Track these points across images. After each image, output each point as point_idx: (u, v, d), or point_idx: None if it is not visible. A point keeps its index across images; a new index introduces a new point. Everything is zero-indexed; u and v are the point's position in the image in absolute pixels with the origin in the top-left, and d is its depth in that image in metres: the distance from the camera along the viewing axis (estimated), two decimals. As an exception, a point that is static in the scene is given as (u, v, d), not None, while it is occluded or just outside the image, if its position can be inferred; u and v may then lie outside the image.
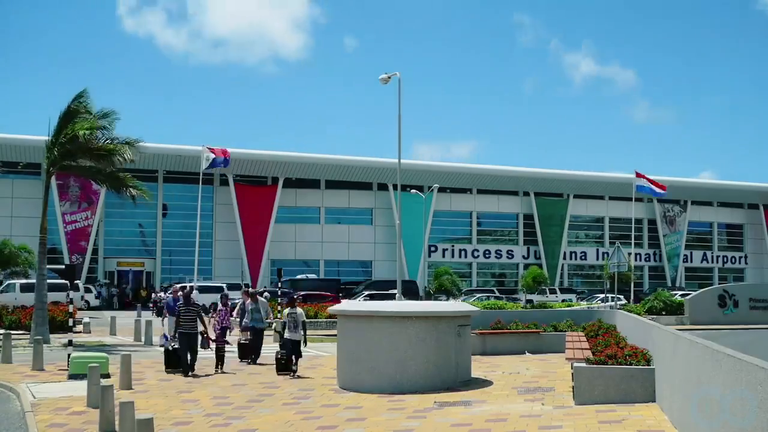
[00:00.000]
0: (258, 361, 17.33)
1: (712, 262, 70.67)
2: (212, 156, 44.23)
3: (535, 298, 47.65)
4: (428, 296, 44.89)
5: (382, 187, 58.78)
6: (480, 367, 15.70)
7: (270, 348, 18.94)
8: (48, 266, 25.21)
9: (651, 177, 48.31)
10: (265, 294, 29.12)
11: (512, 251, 63.55)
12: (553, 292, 52.96)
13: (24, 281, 35.93)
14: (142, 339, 23.73)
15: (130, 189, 24.63)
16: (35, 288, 23.66)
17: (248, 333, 17.80)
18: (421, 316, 13.42)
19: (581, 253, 65.94)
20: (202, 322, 15.80)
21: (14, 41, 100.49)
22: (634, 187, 46.88)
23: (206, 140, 67.89)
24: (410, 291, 43.54)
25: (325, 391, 13.19)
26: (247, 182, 55.52)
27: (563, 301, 47.54)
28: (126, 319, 34.89)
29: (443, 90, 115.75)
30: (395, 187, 44.22)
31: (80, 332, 26.76)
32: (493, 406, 11.23)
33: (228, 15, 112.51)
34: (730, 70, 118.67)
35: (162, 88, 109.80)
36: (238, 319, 18.82)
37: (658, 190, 46.90)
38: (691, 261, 69.41)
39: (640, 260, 65.37)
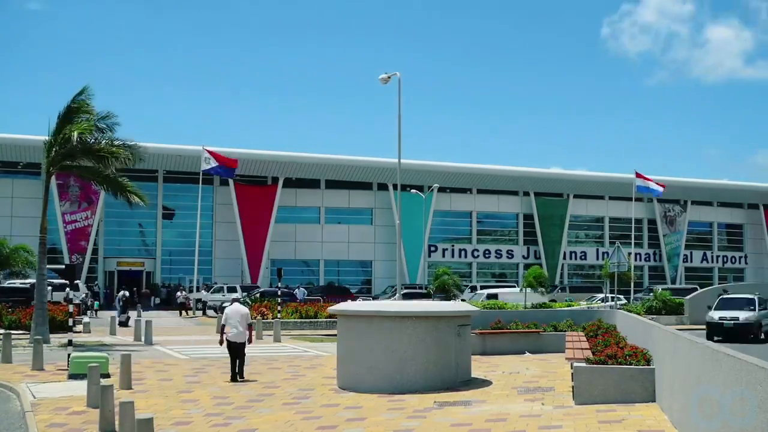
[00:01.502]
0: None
1: (712, 262, 70.67)
2: (214, 162, 44.21)
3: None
4: (428, 296, 44.84)
5: (382, 187, 58.78)
6: (480, 367, 15.70)
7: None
8: (48, 266, 25.20)
9: (650, 177, 48.39)
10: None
11: (512, 251, 63.54)
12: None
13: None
14: (142, 339, 23.74)
15: (128, 193, 24.53)
16: (35, 288, 23.63)
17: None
18: (421, 316, 13.43)
19: (581, 253, 65.96)
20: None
21: (14, 40, 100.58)
22: (634, 187, 46.92)
23: (206, 140, 67.95)
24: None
25: (325, 391, 13.19)
26: (247, 182, 55.51)
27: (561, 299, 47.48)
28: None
29: (439, 92, 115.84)
30: (395, 187, 44.23)
31: (80, 332, 26.78)
32: (493, 406, 11.23)
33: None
34: (731, 70, 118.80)
35: (162, 88, 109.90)
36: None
37: (656, 187, 46.96)
38: (691, 261, 69.41)
39: (640, 260, 65.36)
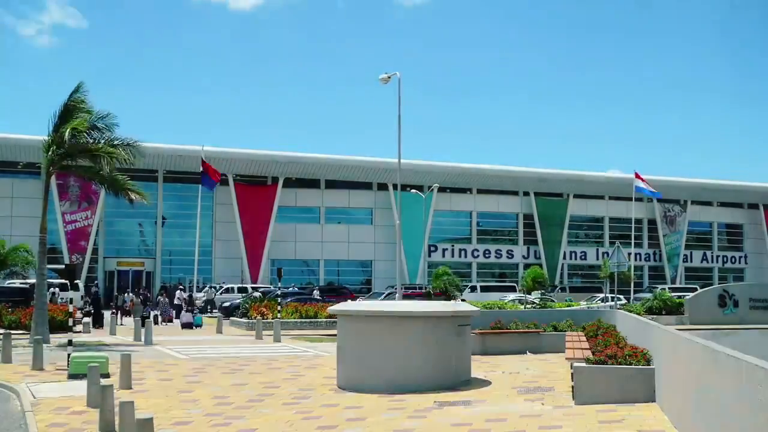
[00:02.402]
0: None
1: (712, 262, 70.68)
2: (204, 170, 44.74)
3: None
4: (428, 296, 44.81)
5: (382, 187, 58.77)
6: (480, 367, 15.69)
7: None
8: (48, 266, 25.17)
9: (651, 177, 48.48)
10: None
11: (512, 251, 63.55)
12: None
13: None
14: (142, 339, 23.73)
15: (129, 192, 24.49)
16: (35, 288, 23.59)
17: None
18: (421, 316, 13.43)
19: (581, 253, 65.95)
20: None
21: (14, 39, 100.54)
22: (634, 187, 46.93)
23: (206, 140, 68.09)
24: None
25: (325, 391, 13.19)
26: (247, 182, 55.51)
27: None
28: (126, 318, 34.91)
29: (439, 89, 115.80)
30: (395, 187, 44.22)
31: (80, 332, 26.77)
32: (493, 406, 11.23)
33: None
34: (731, 70, 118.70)
35: (162, 87, 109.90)
36: None
37: (653, 190, 47.09)
38: (691, 261, 69.42)
39: (640, 260, 65.35)
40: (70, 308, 20.26)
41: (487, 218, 64.02)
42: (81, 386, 12.72)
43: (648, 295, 40.53)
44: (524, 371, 15.48)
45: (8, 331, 21.62)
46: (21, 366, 16.87)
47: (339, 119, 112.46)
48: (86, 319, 29.50)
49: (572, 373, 11.95)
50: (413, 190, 51.58)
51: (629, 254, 43.48)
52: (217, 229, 55.27)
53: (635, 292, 46.94)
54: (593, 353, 12.61)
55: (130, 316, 33.94)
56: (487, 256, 62.72)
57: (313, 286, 51.10)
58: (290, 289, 42.50)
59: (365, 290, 56.26)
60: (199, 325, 32.00)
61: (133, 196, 24.49)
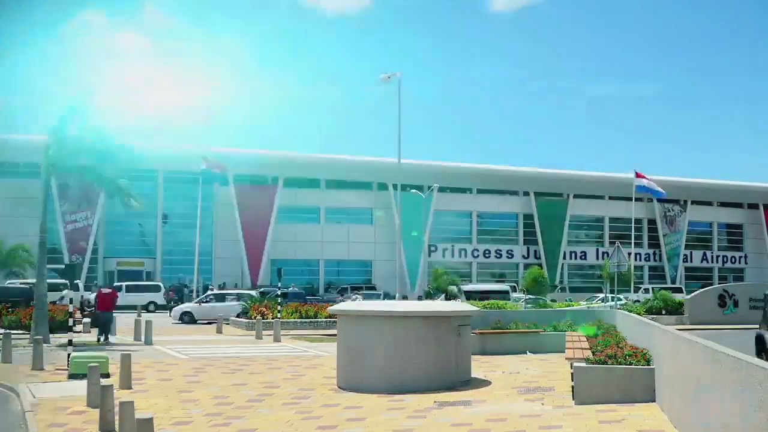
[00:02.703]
0: None
1: (712, 261, 70.72)
2: (206, 167, 44.75)
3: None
4: (428, 296, 44.89)
5: (382, 186, 58.79)
6: (480, 367, 15.68)
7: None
8: (48, 266, 25.15)
9: (651, 177, 48.47)
10: None
11: (512, 251, 63.57)
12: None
13: None
14: (142, 339, 23.73)
15: (126, 197, 24.44)
16: (35, 288, 23.57)
17: None
18: (421, 316, 13.43)
19: (581, 253, 65.98)
20: None
21: (13, 40, 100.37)
22: (634, 187, 46.93)
23: (206, 140, 68.03)
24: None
25: (325, 391, 13.18)
26: (247, 182, 55.52)
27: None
28: (126, 318, 34.88)
29: (438, 87, 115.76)
30: (395, 187, 44.24)
31: (80, 332, 26.75)
32: (493, 406, 11.22)
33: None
34: (731, 70, 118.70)
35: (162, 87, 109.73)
36: None
37: (658, 188, 47.04)
38: (691, 261, 69.46)
39: (640, 260, 65.38)
40: (71, 308, 20.22)
41: (487, 218, 64.06)
42: (81, 386, 12.71)
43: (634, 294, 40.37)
44: (524, 371, 15.46)
45: (8, 331, 21.61)
46: (21, 366, 16.86)
47: (339, 119, 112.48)
48: (87, 319, 29.47)
49: (572, 373, 11.94)
50: (413, 190, 51.62)
51: (629, 254, 43.49)
52: (217, 229, 55.28)
53: (635, 291, 46.91)
54: (593, 353, 12.59)
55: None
56: (487, 256, 62.75)
57: (314, 286, 51.17)
58: (290, 289, 42.40)
59: (366, 290, 56.34)
60: None
61: (128, 200, 24.42)
